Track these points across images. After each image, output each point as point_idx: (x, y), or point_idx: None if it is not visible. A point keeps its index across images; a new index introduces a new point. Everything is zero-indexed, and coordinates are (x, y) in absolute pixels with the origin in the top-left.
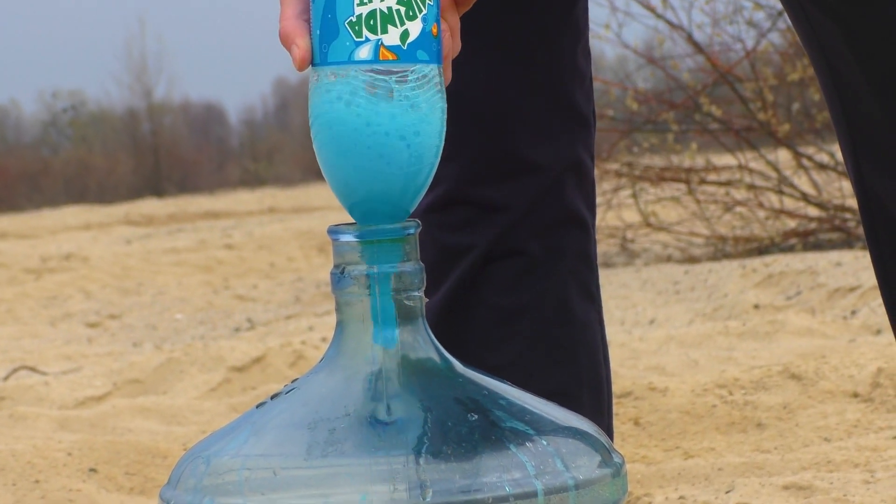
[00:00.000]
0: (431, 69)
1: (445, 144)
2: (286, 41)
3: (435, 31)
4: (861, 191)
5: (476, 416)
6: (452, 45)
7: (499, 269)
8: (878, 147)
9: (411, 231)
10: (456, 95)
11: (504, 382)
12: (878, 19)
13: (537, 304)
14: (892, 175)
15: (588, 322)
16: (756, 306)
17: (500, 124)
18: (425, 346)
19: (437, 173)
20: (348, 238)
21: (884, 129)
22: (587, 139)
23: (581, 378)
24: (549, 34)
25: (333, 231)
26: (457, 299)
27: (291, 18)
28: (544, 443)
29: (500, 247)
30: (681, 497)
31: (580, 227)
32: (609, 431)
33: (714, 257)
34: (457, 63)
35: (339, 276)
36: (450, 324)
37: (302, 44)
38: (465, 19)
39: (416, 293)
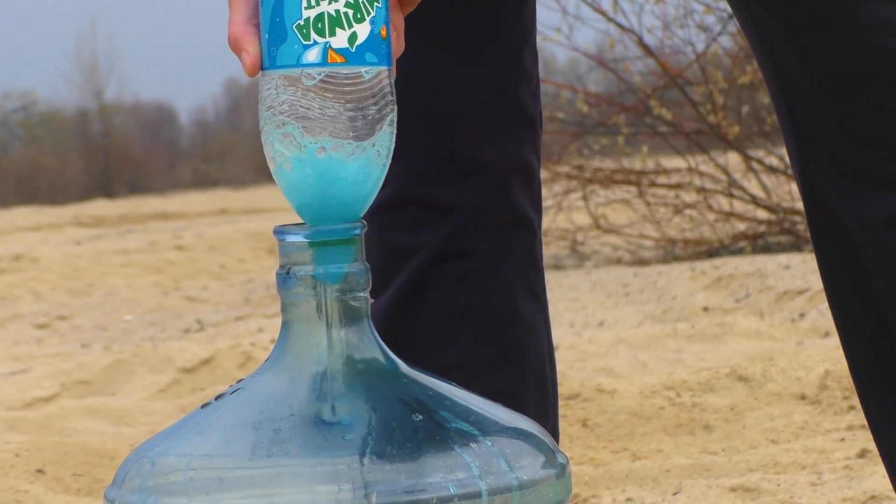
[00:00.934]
0: (381, 71)
1: (394, 145)
2: (235, 47)
3: (384, 33)
4: (807, 191)
5: (421, 417)
6: (397, 45)
7: (446, 270)
8: (823, 147)
9: (357, 232)
10: (404, 95)
11: (449, 383)
12: (822, 19)
13: (484, 304)
14: (837, 175)
15: (534, 323)
16: (705, 309)
17: (448, 125)
18: (370, 346)
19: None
20: (294, 238)
21: (829, 129)
22: (534, 140)
23: (526, 379)
24: (498, 35)
25: (279, 231)
26: (404, 300)
27: (240, 24)
28: (489, 443)
29: (447, 247)
30: (628, 499)
31: (526, 228)
32: (555, 432)
33: (664, 260)
34: (405, 63)
35: (285, 277)
36: (397, 324)
37: (252, 50)
38: (413, 19)
39: (362, 294)
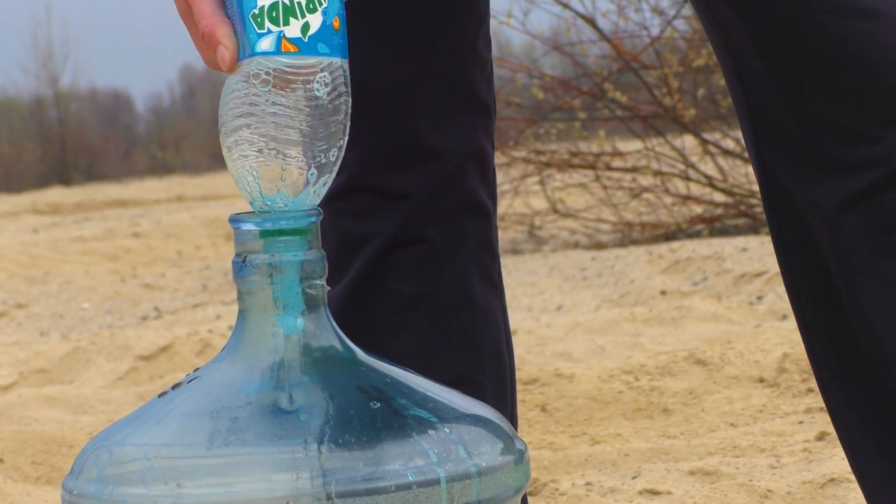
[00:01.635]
0: (333, 63)
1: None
2: (210, 39)
3: (337, 24)
4: (762, 175)
5: (379, 405)
6: None
7: (401, 257)
8: (777, 132)
9: (313, 220)
10: (356, 82)
11: (407, 370)
12: (776, 4)
13: (439, 290)
14: (791, 160)
15: (490, 309)
16: (662, 292)
17: (400, 111)
18: (328, 334)
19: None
20: (250, 227)
21: (783, 113)
22: (488, 126)
23: (483, 365)
24: (450, 20)
25: (235, 220)
26: (360, 288)
27: (212, 14)
28: (447, 430)
29: (402, 234)
30: (587, 483)
31: (481, 214)
32: (513, 418)
33: (621, 243)
34: (356, 49)
35: (241, 265)
36: (353, 312)
37: (229, 44)
38: (364, 3)
39: (319, 281)
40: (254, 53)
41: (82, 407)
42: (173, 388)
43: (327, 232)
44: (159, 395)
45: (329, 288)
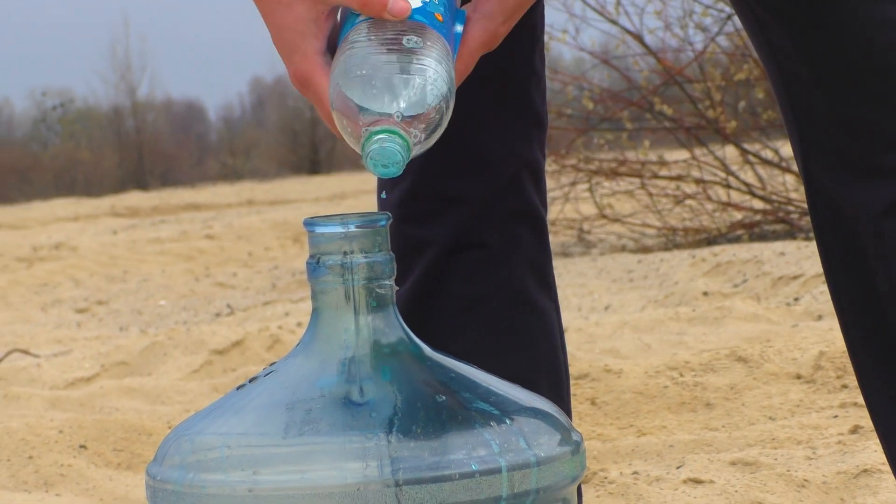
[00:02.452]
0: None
1: None
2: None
3: (439, 17)
4: (808, 181)
5: (444, 398)
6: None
7: (460, 260)
8: (823, 139)
9: (382, 223)
10: None
11: (471, 366)
12: (822, 18)
13: (496, 292)
14: (837, 166)
15: (545, 310)
16: (705, 293)
17: (462, 122)
18: (396, 331)
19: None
20: (324, 230)
21: (828, 121)
22: (541, 138)
23: (539, 363)
24: (510, 37)
25: (310, 223)
26: (422, 290)
27: (314, 56)
28: (508, 422)
29: (461, 239)
30: (634, 472)
31: (535, 219)
32: (567, 412)
33: (665, 247)
34: None
35: (315, 266)
36: (416, 313)
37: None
38: None
39: (388, 282)
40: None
41: (160, 397)
42: (250, 381)
43: (392, 236)
44: (237, 388)
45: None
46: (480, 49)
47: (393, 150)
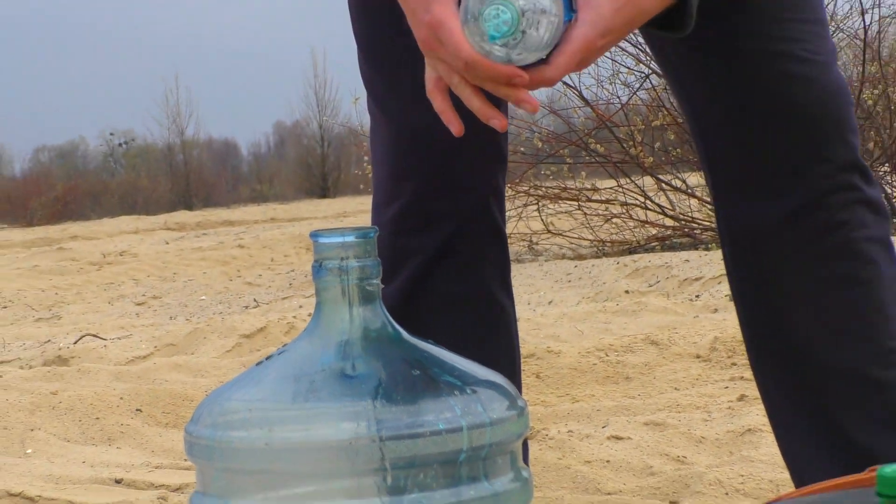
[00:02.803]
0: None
1: (405, 168)
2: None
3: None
4: (717, 199)
5: (418, 372)
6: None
7: (441, 267)
8: (729, 166)
9: (371, 235)
10: (417, 132)
11: (440, 347)
12: (723, 63)
13: (469, 292)
14: (742, 189)
15: (505, 306)
16: (626, 291)
17: (446, 157)
18: (381, 320)
19: (397, 190)
20: (325, 240)
21: (733, 151)
22: (504, 171)
23: (500, 347)
24: (488, 95)
25: (314, 235)
26: (409, 288)
27: (450, 5)
28: (468, 392)
29: (441, 249)
30: (569, 431)
31: (499, 235)
32: (518, 384)
33: (596, 255)
34: (415, 110)
35: (318, 268)
36: (404, 305)
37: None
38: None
39: (375, 281)
40: None
41: (200, 372)
42: (267, 358)
43: (386, 245)
44: (256, 364)
45: (386, 287)
46: (580, 52)
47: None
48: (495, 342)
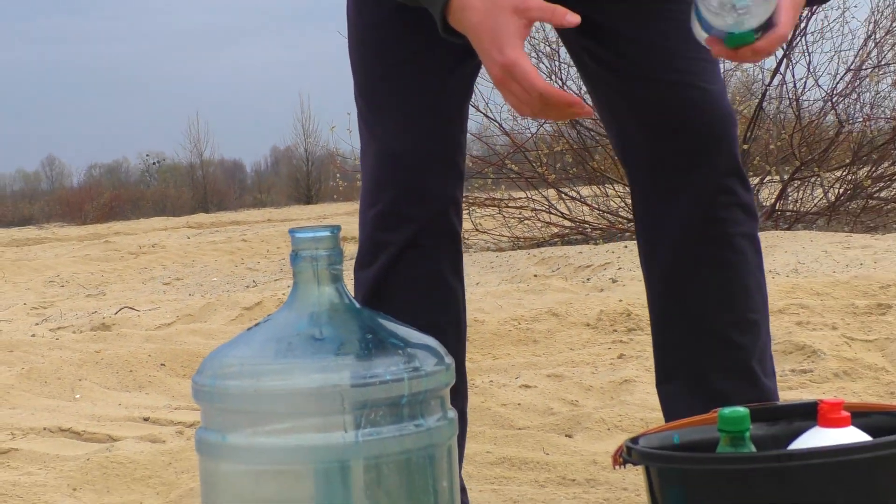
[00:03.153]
0: None
1: (385, 181)
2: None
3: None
4: (635, 199)
5: (371, 336)
6: None
7: (407, 255)
8: (646, 175)
9: (336, 232)
10: (396, 154)
11: (388, 317)
12: (652, 99)
13: (429, 277)
14: (655, 191)
15: (455, 288)
16: (535, 275)
17: (417, 174)
18: (343, 296)
19: (378, 194)
20: (301, 235)
21: (648, 155)
22: (461, 185)
23: (449, 319)
24: (456, 122)
25: (292, 231)
26: (383, 272)
27: (520, 48)
28: (409, 351)
29: (410, 242)
30: (490, 381)
31: (455, 234)
32: (463, 347)
33: (513, 248)
34: (395, 126)
35: (295, 256)
36: (378, 284)
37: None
38: (406, 95)
39: (338, 266)
40: None
41: (211, 335)
42: (255, 324)
43: (368, 239)
44: (248, 329)
45: (365, 270)
46: (779, 41)
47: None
48: (445, 315)
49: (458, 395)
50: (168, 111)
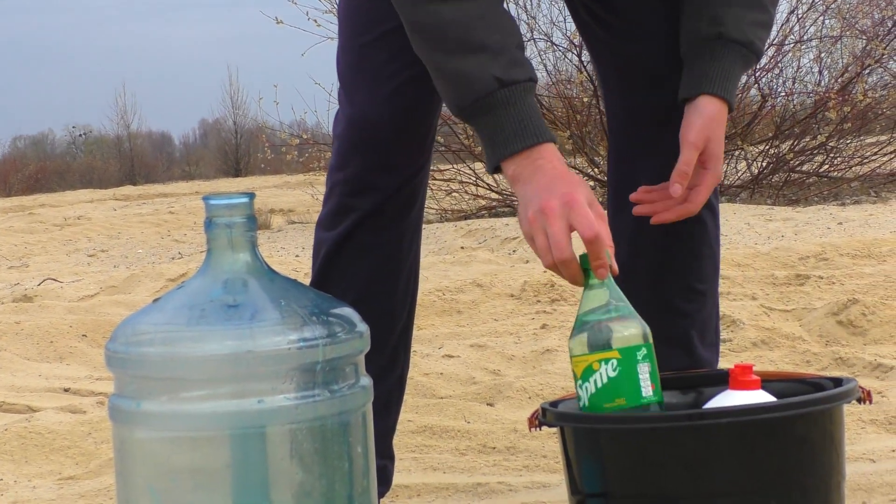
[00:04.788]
0: None
1: (356, 144)
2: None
3: None
4: (609, 164)
5: (284, 303)
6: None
7: (370, 220)
8: (620, 133)
9: (250, 199)
10: (370, 121)
11: (302, 285)
12: (626, 49)
13: (387, 241)
14: (629, 140)
15: (411, 257)
16: (462, 247)
17: (386, 144)
18: (258, 263)
19: (347, 159)
20: (215, 202)
21: (625, 117)
22: (428, 159)
23: (402, 285)
24: (434, 102)
25: (206, 198)
26: (346, 235)
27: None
28: (323, 318)
29: (373, 208)
30: (414, 350)
31: (418, 202)
32: (412, 312)
33: (440, 220)
34: (369, 102)
35: (209, 223)
36: (340, 247)
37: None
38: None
39: (252, 233)
40: None
41: (135, 307)
42: (169, 292)
43: (335, 201)
44: (161, 296)
45: (330, 232)
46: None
47: None
48: (398, 282)
49: (400, 361)
50: (94, 83)
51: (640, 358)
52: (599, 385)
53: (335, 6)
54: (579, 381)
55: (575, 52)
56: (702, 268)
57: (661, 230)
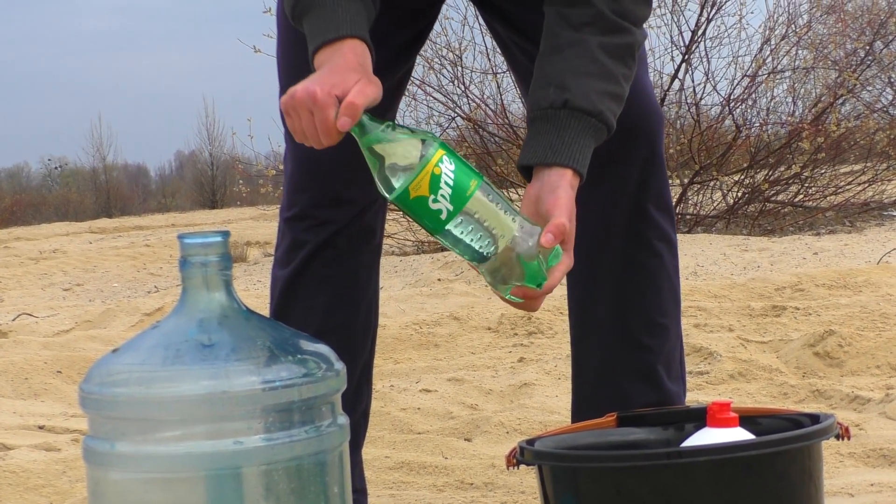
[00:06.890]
0: None
1: (304, 183)
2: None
3: None
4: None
5: (260, 342)
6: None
7: (323, 254)
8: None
9: (224, 238)
10: (314, 160)
11: (278, 323)
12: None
13: (343, 274)
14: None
15: (368, 288)
16: (438, 279)
17: (334, 180)
18: (233, 302)
19: (296, 197)
20: (190, 241)
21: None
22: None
23: (361, 318)
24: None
25: (181, 237)
26: (300, 269)
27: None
28: (299, 357)
29: (325, 243)
30: (391, 385)
31: (373, 236)
32: (373, 346)
33: (416, 252)
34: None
35: (184, 262)
36: (295, 282)
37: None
38: None
39: (228, 272)
40: None
41: (110, 342)
42: (143, 331)
43: (286, 238)
44: (136, 336)
45: (283, 269)
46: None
47: None
48: (356, 315)
49: (363, 395)
50: (70, 115)
51: (448, 146)
52: (451, 183)
53: None
54: (431, 197)
55: None
56: (662, 301)
57: (612, 266)
